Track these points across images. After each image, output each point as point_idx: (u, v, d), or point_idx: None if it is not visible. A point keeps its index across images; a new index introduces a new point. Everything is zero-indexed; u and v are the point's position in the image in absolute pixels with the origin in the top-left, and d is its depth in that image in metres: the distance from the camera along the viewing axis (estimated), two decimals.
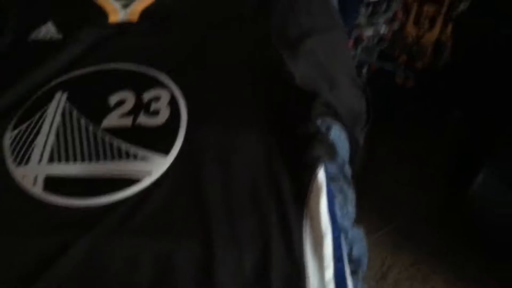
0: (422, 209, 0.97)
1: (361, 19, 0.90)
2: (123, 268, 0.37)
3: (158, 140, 0.44)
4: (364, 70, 1.01)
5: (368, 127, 0.60)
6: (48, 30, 0.54)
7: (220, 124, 0.46)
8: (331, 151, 0.45)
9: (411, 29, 0.98)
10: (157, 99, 0.48)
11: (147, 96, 0.48)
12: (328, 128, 0.51)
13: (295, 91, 0.47)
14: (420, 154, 1.01)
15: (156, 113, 0.47)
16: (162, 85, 0.49)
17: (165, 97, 0.48)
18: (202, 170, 0.43)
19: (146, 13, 0.54)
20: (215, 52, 0.51)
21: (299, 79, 0.48)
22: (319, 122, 0.47)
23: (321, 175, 0.42)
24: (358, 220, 0.48)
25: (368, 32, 0.92)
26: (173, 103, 0.47)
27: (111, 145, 0.44)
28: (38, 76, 0.51)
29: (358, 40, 0.95)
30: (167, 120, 0.46)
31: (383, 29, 0.93)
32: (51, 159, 0.44)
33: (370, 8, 0.90)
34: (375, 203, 0.92)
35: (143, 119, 0.46)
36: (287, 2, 0.54)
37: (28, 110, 0.48)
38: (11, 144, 0.45)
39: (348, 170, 0.50)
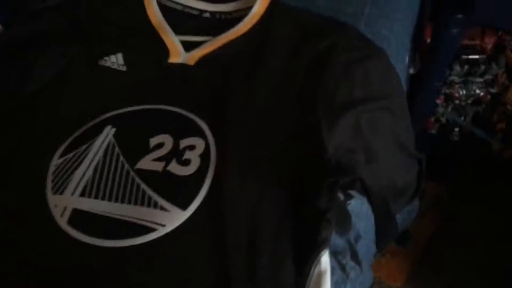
0: None
1: (455, 77, 0.83)
2: None
3: (180, 192, 0.45)
4: (456, 132, 0.92)
5: (418, 200, 0.54)
6: (117, 60, 0.58)
7: (244, 185, 0.45)
8: (344, 225, 0.41)
9: None
10: (192, 147, 0.48)
11: (183, 143, 0.49)
12: (349, 197, 0.47)
13: (324, 163, 0.44)
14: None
15: (187, 162, 0.47)
16: (200, 133, 0.49)
17: (199, 147, 0.48)
18: (219, 225, 0.43)
19: (203, 60, 0.55)
20: (259, 108, 0.50)
21: (333, 151, 0.45)
22: (340, 196, 0.44)
23: (325, 260, 0.39)
24: None
25: (461, 91, 0.84)
26: (205, 155, 0.47)
27: (138, 188, 0.46)
28: (96, 102, 0.54)
29: (449, 97, 0.87)
30: (195, 172, 0.46)
31: (478, 91, 0.84)
32: (83, 193, 0.46)
33: (466, 67, 0.82)
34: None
35: (174, 167, 0.47)
36: (343, 66, 0.51)
37: (77, 139, 0.51)
38: (54, 171, 0.48)
39: (363, 246, 0.46)
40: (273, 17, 0.58)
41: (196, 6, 0.62)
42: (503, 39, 0.84)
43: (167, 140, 0.49)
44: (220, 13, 0.61)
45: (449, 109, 0.88)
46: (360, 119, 0.49)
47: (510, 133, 0.91)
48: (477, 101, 0.88)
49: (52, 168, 0.49)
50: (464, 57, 0.81)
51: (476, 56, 0.81)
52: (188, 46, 0.57)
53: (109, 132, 0.51)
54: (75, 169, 0.48)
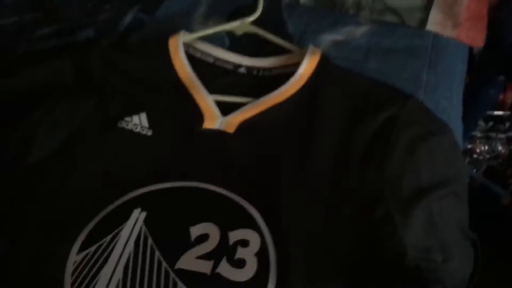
0: None
1: (478, 132, 0.79)
2: None
3: None
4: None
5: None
6: (140, 122, 0.49)
7: None
8: None
9: None
10: (244, 243, 0.40)
11: (233, 236, 0.40)
12: None
13: (405, 269, 0.38)
14: None
15: (241, 263, 0.39)
16: (251, 223, 0.41)
17: (254, 242, 0.40)
18: None
19: (244, 126, 0.47)
20: (315, 197, 0.43)
21: (411, 251, 0.38)
22: None
23: None
24: None
25: (482, 147, 0.81)
26: (262, 253, 0.39)
27: None
28: (117, 176, 0.45)
29: (468, 152, 0.83)
30: (253, 277, 0.38)
31: (500, 147, 0.81)
32: None
33: (491, 123, 0.79)
34: None
35: (225, 269, 0.39)
36: (406, 145, 0.44)
37: (99, 227, 0.41)
38: (75, 270, 0.39)
39: None
40: (323, 78, 0.50)
41: (231, 59, 0.54)
42: None
43: (212, 231, 0.41)
44: (258, 68, 0.54)
45: (466, 162, 0.85)
46: (432, 210, 0.42)
47: None
48: (496, 156, 0.85)
49: (69, 268, 0.39)
50: (489, 113, 0.78)
51: (501, 113, 0.78)
52: (225, 108, 0.49)
53: (138, 217, 0.42)
54: (100, 267, 0.39)
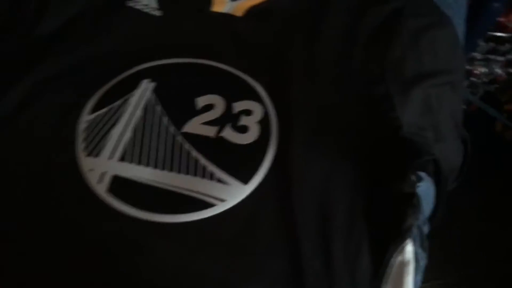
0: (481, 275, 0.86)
1: (477, 54, 0.80)
2: None
3: (239, 164, 0.39)
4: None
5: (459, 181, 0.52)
6: (149, 2, 0.50)
7: (310, 159, 0.40)
8: (418, 210, 0.38)
9: None
10: (248, 112, 0.42)
11: (238, 106, 0.43)
12: (419, 180, 0.44)
13: (399, 141, 0.40)
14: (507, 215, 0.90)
15: (244, 129, 0.41)
16: (256, 97, 0.43)
17: (257, 112, 0.42)
18: (286, 204, 0.38)
19: (253, 11, 0.49)
20: (321, 76, 0.44)
21: (406, 128, 0.41)
22: (413, 177, 0.41)
23: (409, 249, 0.35)
24: None
25: (481, 69, 0.82)
26: (265, 121, 0.42)
27: (188, 155, 0.40)
28: (127, 49, 0.46)
29: (466, 74, 0.85)
30: (255, 141, 0.41)
31: (498, 70, 0.82)
32: (122, 158, 0.40)
33: (491, 44, 0.79)
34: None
35: (229, 133, 0.41)
36: (410, 33, 0.46)
37: (110, 92, 0.44)
38: (86, 129, 0.41)
39: (426, 229, 0.43)
40: None
41: None
42: None
43: (218, 102, 0.43)
44: None
45: (465, 85, 0.86)
46: (430, 94, 0.44)
47: None
48: (493, 80, 0.86)
49: (82, 125, 0.41)
50: (490, 33, 0.78)
51: (503, 34, 0.78)
52: None
53: (147, 86, 0.44)
54: (111, 127, 0.41)
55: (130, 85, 0.44)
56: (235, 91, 0.44)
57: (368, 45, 0.46)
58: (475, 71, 0.83)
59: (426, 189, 0.43)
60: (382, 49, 0.45)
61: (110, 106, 0.42)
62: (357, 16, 0.48)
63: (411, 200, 0.37)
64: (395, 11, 0.48)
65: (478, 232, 0.90)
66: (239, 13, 0.48)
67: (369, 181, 0.39)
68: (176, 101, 0.43)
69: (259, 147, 0.40)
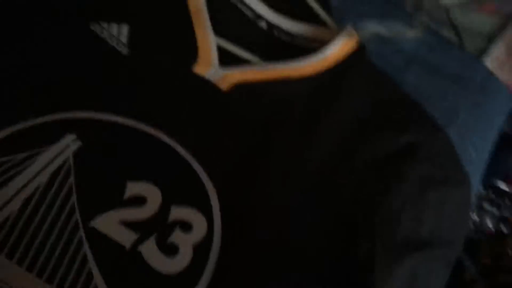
0: None
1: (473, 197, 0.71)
2: None
3: None
4: None
5: None
6: (118, 33, 0.38)
7: None
8: None
9: None
10: (186, 228, 0.31)
11: (176, 213, 0.31)
12: None
13: None
14: None
15: (172, 250, 0.30)
16: (204, 203, 0.32)
17: (198, 231, 0.31)
18: None
19: (240, 89, 0.38)
20: (298, 198, 0.34)
21: None
22: None
23: None
24: None
25: (473, 217, 0.73)
26: (203, 246, 0.31)
27: (81, 268, 0.28)
28: (60, 83, 0.35)
29: None
30: (179, 273, 0.29)
31: (490, 225, 0.73)
32: None
33: (491, 193, 0.71)
34: None
35: (149, 250, 0.30)
36: (418, 184, 0.37)
37: (15, 137, 0.32)
38: None
39: None
40: (352, 71, 0.41)
41: (254, 6, 0.44)
42: None
43: (153, 197, 0.32)
44: (281, 30, 0.44)
45: None
46: (418, 270, 0.34)
47: (492, 270, 0.82)
48: (480, 232, 0.77)
49: None
50: (493, 182, 0.70)
51: (507, 189, 0.70)
52: (226, 58, 0.40)
53: (69, 145, 0.32)
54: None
55: (46, 135, 0.32)
56: (180, 187, 0.32)
57: (365, 178, 0.36)
58: None
59: None
60: (378, 191, 0.36)
61: (11, 157, 0.31)
62: (363, 134, 0.38)
63: None
64: (410, 147, 0.38)
65: None
66: (224, 85, 0.38)
67: None
68: (99, 176, 0.32)
69: (181, 284, 0.29)
